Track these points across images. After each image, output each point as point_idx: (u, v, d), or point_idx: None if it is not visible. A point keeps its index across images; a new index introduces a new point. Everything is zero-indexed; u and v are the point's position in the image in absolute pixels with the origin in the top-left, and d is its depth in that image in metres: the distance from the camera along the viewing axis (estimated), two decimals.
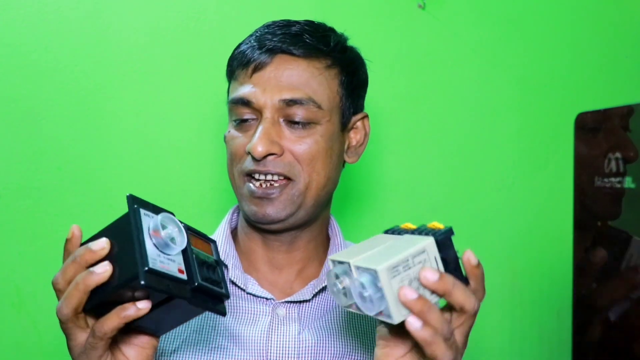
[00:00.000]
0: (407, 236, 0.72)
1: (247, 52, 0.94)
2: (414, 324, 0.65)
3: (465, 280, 0.70)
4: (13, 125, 1.30)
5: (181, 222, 0.74)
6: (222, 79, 1.01)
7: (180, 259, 0.71)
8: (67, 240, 0.72)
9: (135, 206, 0.69)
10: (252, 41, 0.96)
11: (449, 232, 0.70)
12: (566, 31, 1.49)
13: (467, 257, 0.70)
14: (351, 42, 1.04)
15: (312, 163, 0.92)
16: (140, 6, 1.33)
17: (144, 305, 0.67)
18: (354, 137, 1.01)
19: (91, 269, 0.67)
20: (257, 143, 0.89)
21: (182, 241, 0.71)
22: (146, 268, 0.66)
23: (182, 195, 1.35)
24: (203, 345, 0.92)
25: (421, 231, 0.71)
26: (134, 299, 0.68)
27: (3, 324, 1.30)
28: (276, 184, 0.92)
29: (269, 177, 0.92)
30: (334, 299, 0.97)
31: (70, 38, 1.31)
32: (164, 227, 0.70)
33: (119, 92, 1.33)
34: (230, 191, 1.01)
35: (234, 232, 1.05)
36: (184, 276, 0.70)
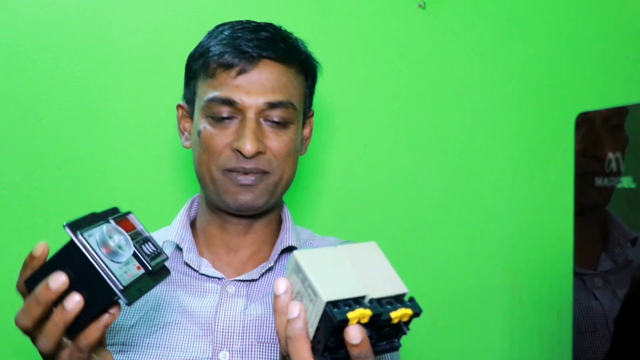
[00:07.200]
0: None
1: (226, 56, 1.01)
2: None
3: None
4: (13, 125, 1.30)
5: (103, 213, 0.77)
6: None
7: (131, 257, 0.75)
8: (31, 257, 0.75)
9: (79, 232, 0.71)
10: (227, 44, 1.02)
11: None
12: (566, 31, 1.49)
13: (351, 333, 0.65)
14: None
15: (287, 159, 1.03)
16: (140, 6, 1.33)
17: (116, 311, 0.74)
18: (304, 132, 1.11)
19: (64, 305, 0.71)
20: (248, 143, 0.98)
21: (128, 244, 0.74)
22: (122, 287, 0.70)
23: (183, 195, 1.35)
24: (158, 320, 1.00)
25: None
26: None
27: (3, 324, 1.30)
28: (254, 175, 1.01)
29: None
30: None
31: (70, 38, 1.31)
32: (110, 238, 0.72)
33: (119, 92, 1.33)
34: None
35: (192, 220, 1.13)
36: (142, 271, 0.75)
